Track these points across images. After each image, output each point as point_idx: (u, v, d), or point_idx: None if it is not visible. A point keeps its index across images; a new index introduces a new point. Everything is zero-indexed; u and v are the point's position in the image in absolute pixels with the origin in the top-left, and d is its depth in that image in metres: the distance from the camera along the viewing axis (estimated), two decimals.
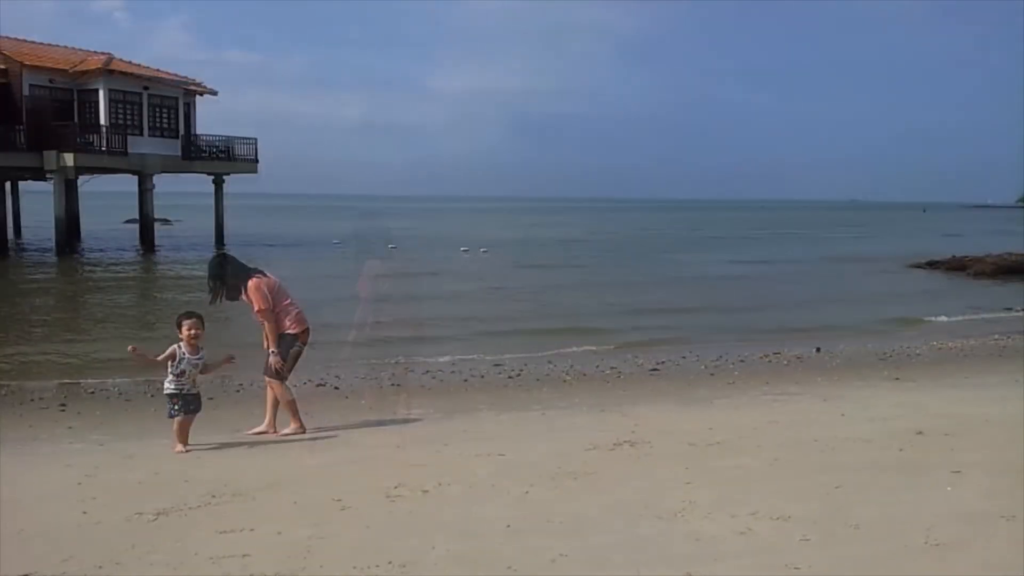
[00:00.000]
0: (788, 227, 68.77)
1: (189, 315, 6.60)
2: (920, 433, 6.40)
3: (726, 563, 3.76)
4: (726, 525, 4.28)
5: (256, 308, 6.81)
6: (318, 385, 9.88)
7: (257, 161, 38.48)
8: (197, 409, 6.59)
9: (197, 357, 6.50)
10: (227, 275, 6.98)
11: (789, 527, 4.24)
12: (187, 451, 6.38)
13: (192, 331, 6.47)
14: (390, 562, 3.74)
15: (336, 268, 26.78)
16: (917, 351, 12.47)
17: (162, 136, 35.05)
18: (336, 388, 9.72)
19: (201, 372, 6.62)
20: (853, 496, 4.79)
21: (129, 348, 6.81)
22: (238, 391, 9.44)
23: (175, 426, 6.49)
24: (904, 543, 4.02)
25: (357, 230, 51.93)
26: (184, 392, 6.45)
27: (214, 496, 4.89)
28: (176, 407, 6.43)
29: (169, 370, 6.47)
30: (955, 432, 6.43)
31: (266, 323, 6.88)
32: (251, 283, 6.86)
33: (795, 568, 3.70)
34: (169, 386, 6.45)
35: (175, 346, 6.45)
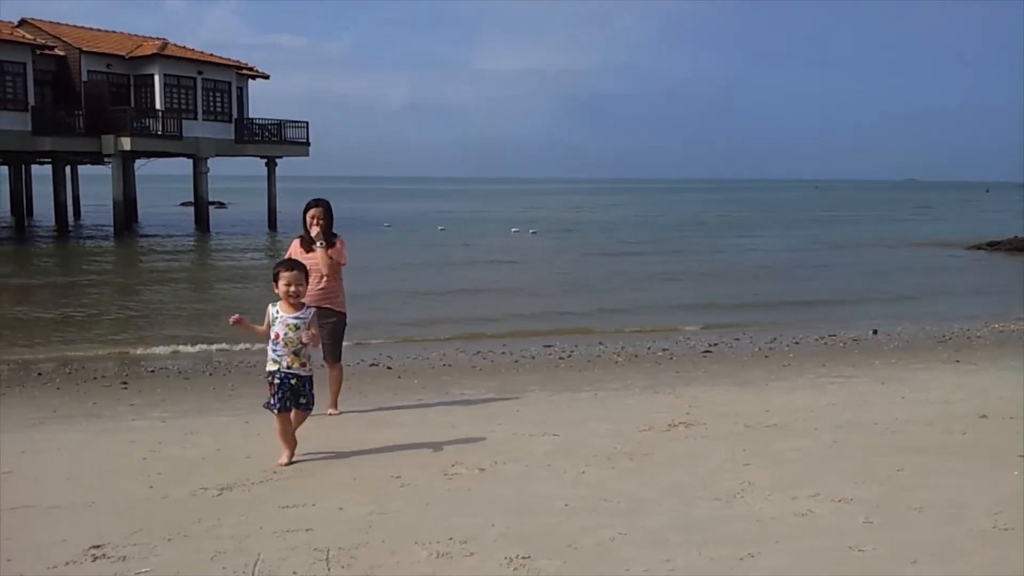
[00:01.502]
0: (845, 208, 67.46)
1: (289, 265, 5.40)
2: (983, 416, 6.26)
3: (787, 544, 3.72)
4: (786, 507, 4.24)
5: (343, 263, 6.73)
6: (371, 365, 9.99)
7: (308, 143, 38.91)
8: (304, 405, 5.30)
9: (297, 316, 5.20)
10: (332, 217, 6.74)
11: (851, 509, 4.19)
12: (289, 464, 5.16)
13: (291, 287, 5.22)
14: (451, 538, 3.78)
15: (388, 252, 27.02)
16: (977, 334, 12.17)
17: (216, 119, 35.60)
18: (389, 368, 9.82)
19: (309, 341, 5.23)
20: (916, 479, 4.71)
21: (232, 319, 5.25)
22: None
23: (275, 423, 5.26)
24: (970, 527, 3.94)
25: (407, 212, 52.26)
26: (283, 371, 5.14)
27: (275, 472, 4.98)
28: (273, 399, 5.16)
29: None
30: (1020, 415, 6.27)
31: (339, 283, 6.76)
32: (341, 240, 6.76)
33: (859, 551, 3.65)
34: (269, 361, 5.25)
35: (271, 306, 5.29)
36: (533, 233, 35.89)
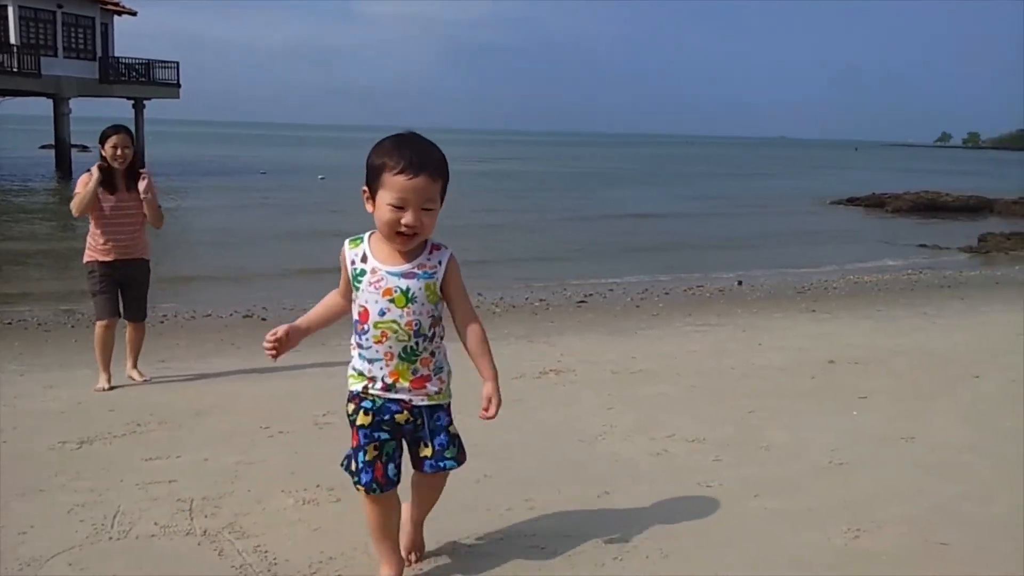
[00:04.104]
0: (719, 165, 69.68)
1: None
2: (831, 362, 6.70)
3: (642, 482, 3.94)
4: (644, 447, 4.46)
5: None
6: (245, 316, 9.81)
7: (179, 85, 37.29)
8: (434, 462, 2.88)
9: (413, 269, 2.72)
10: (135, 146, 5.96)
11: (703, 448, 4.45)
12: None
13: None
14: (318, 485, 3.82)
15: (267, 200, 26.35)
16: (834, 285, 12.92)
17: (78, 57, 33.62)
18: (264, 320, 9.66)
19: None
20: (765, 420, 5.03)
21: (271, 348, 2.82)
22: (162, 321, 9.30)
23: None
24: (809, 463, 4.26)
25: (284, 159, 50.89)
26: (378, 394, 2.79)
27: (140, 425, 4.87)
28: (357, 459, 2.81)
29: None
30: (864, 361, 6.75)
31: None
32: (149, 174, 5.95)
33: (707, 486, 3.90)
34: (351, 372, 2.86)
35: (350, 245, 2.84)
36: (321, 179, 35.62)
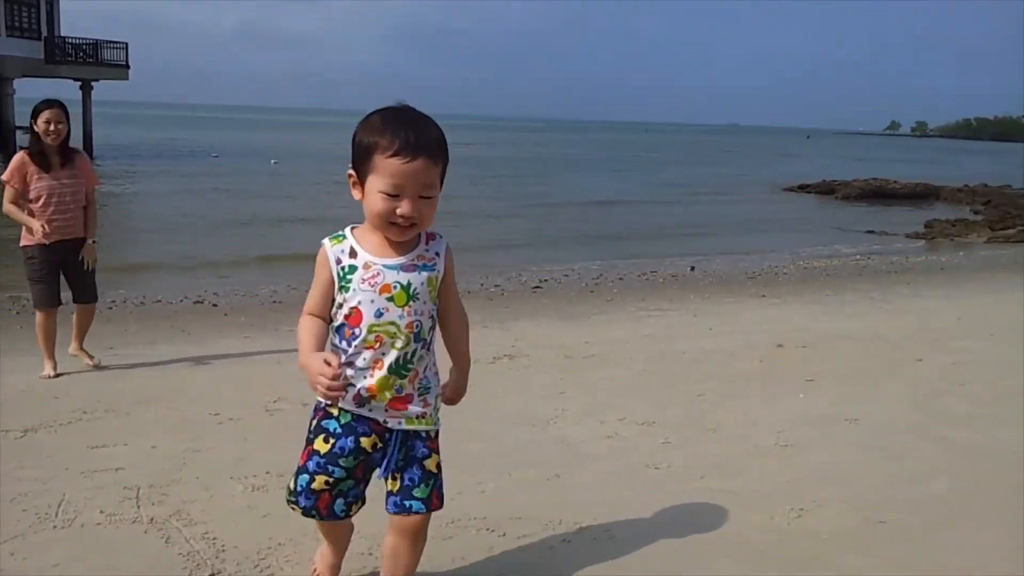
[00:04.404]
0: (672, 151, 70.22)
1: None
2: (780, 346, 6.82)
3: (592, 465, 3.99)
4: (594, 431, 4.51)
5: (98, 183, 6.00)
6: (196, 302, 9.68)
7: (128, 67, 36.46)
8: (402, 500, 2.42)
9: (410, 261, 2.39)
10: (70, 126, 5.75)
11: (652, 431, 4.51)
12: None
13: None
14: (268, 472, 3.80)
15: (218, 185, 25.98)
16: (784, 270, 13.13)
17: (22, 36, 32.69)
18: (215, 305, 9.54)
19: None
20: (713, 403, 5.12)
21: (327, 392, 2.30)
22: (111, 307, 9.14)
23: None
24: (755, 444, 4.35)
25: (237, 143, 50.15)
26: (353, 410, 2.41)
27: (86, 412, 4.79)
28: (300, 480, 2.48)
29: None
30: (811, 344, 6.88)
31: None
32: (83, 154, 5.84)
33: (655, 468, 3.97)
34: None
35: (331, 243, 2.42)
36: (275, 163, 35.33)
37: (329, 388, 2.21)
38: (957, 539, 3.30)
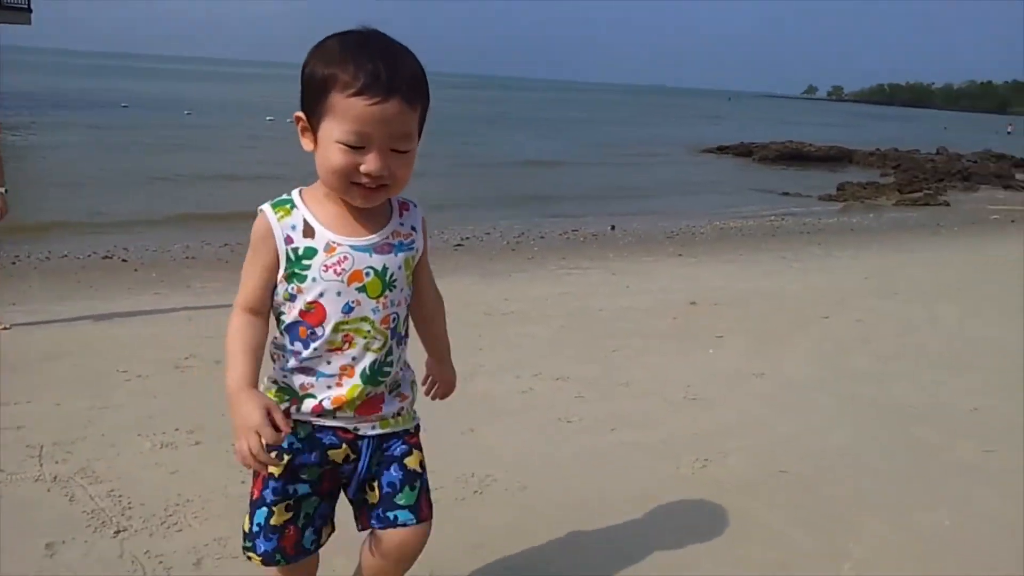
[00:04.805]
0: (596, 111, 70.46)
1: None
2: (693, 303, 6.98)
3: (506, 419, 4.04)
4: (510, 386, 4.56)
5: None
6: (104, 257, 9.39)
7: (30, 10, 34.61)
8: (377, 515, 2.01)
9: (381, 239, 1.91)
10: None
11: (567, 386, 4.59)
12: None
13: None
14: (177, 429, 3.74)
15: (127, 137, 25.06)
16: (701, 230, 13.40)
17: None
18: (124, 261, 9.27)
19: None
20: (627, 359, 5.22)
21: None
22: (14, 263, 8.80)
23: None
24: (665, 397, 4.47)
25: (148, 93, 48.36)
26: (310, 419, 1.95)
27: None
28: (258, 510, 1.99)
29: None
30: (724, 302, 7.07)
31: None
32: None
33: (568, 421, 4.04)
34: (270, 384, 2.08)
35: (272, 213, 1.89)
36: (188, 114, 34.62)
37: (259, 462, 1.70)
38: (854, 488, 3.46)
